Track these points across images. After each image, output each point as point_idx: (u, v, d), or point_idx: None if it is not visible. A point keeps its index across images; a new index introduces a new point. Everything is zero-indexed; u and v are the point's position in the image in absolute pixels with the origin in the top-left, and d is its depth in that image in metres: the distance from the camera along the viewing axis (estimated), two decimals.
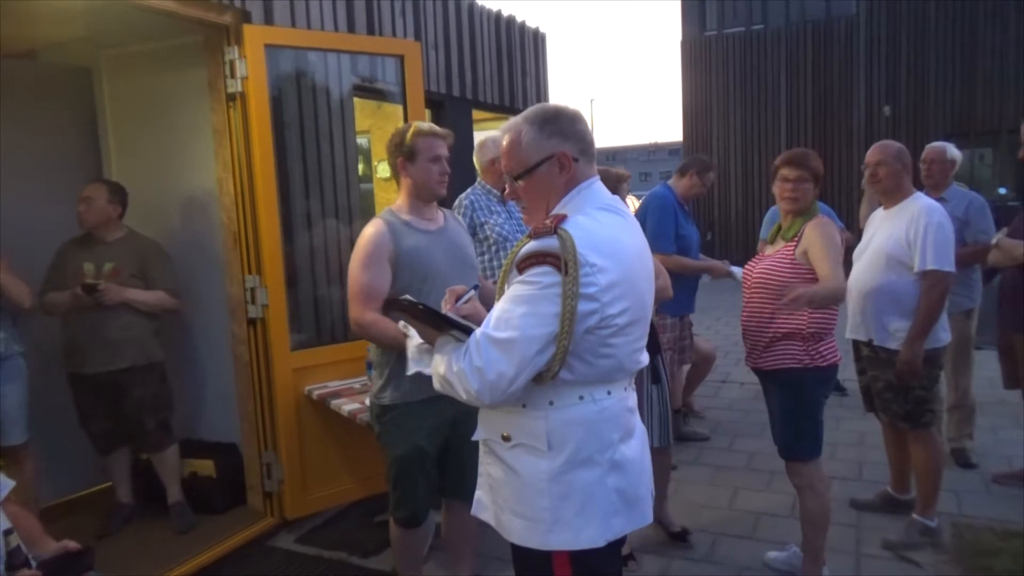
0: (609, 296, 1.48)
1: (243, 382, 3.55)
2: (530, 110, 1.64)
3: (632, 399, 1.66)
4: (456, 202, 3.68)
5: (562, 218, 1.50)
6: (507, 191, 1.68)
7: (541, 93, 6.45)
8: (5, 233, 3.49)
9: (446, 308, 1.65)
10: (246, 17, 3.35)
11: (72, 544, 2.01)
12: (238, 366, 3.57)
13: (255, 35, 3.31)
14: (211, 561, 3.21)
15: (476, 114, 5.77)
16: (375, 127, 6.92)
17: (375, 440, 2.89)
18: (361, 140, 6.01)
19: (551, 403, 1.53)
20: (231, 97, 3.35)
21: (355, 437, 3.37)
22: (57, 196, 3.58)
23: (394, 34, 4.46)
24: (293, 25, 3.62)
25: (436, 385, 1.59)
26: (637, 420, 1.68)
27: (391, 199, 7.22)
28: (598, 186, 1.62)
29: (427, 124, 2.48)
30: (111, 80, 3.99)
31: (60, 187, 3.61)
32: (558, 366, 1.48)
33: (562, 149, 1.57)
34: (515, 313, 1.46)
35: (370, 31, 4.22)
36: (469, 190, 3.69)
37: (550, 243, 1.46)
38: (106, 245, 3.37)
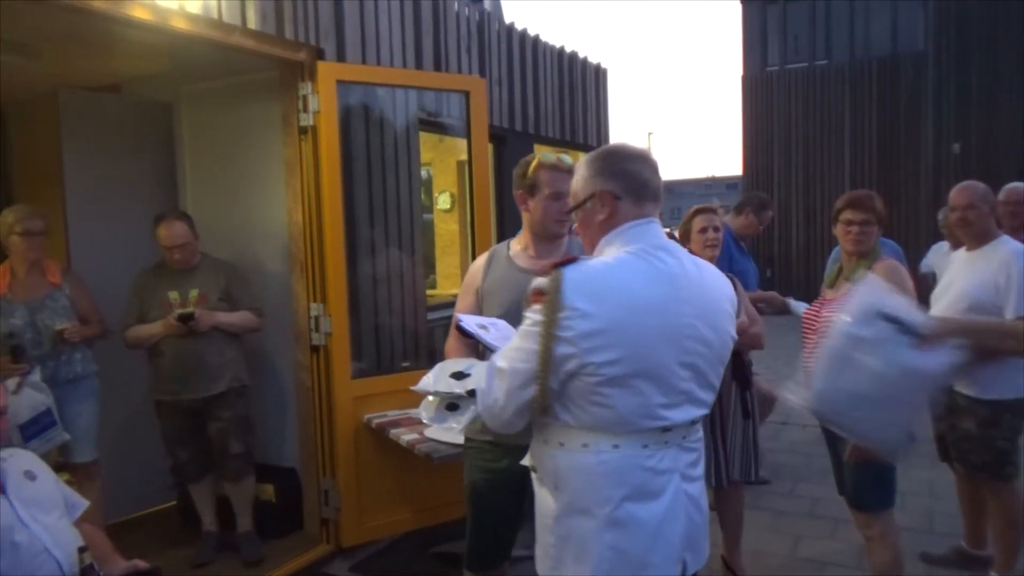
0: (590, 343, 1.42)
1: (304, 408, 3.61)
2: (595, 150, 1.67)
3: (659, 460, 1.51)
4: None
5: (572, 259, 1.49)
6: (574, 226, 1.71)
7: (602, 127, 6.48)
8: (85, 260, 3.66)
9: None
10: (320, 54, 3.46)
11: (141, 563, 2.05)
12: (300, 392, 3.63)
13: (328, 71, 3.42)
14: None
15: (537, 148, 5.82)
16: (436, 159, 7.06)
17: (432, 470, 2.90)
18: (422, 172, 6.12)
19: (561, 444, 1.53)
20: (303, 130, 3.46)
21: (412, 467, 3.38)
22: (136, 224, 3.72)
23: (459, 70, 4.55)
24: (364, 61, 3.72)
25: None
26: (668, 483, 1.52)
27: (451, 230, 7.32)
28: (646, 227, 1.55)
29: (553, 157, 2.26)
30: (189, 114, 4.16)
31: (138, 216, 3.75)
32: (538, 404, 1.49)
33: (604, 188, 1.56)
34: (511, 345, 1.52)
35: (436, 67, 4.31)
36: None
37: (543, 282, 1.47)
38: (187, 272, 3.40)
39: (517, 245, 2.36)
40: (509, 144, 5.33)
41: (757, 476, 3.13)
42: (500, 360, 1.53)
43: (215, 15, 2.94)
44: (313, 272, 3.50)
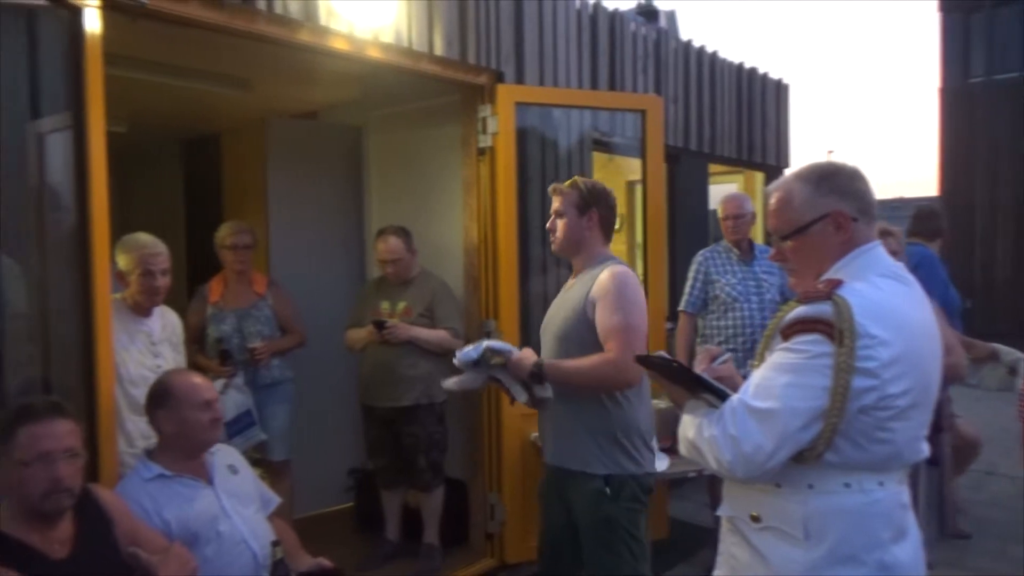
0: (890, 373, 1.32)
1: (474, 422, 3.68)
2: (803, 167, 1.53)
3: (906, 495, 1.45)
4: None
5: (837, 283, 1.37)
6: (772, 253, 1.58)
7: (781, 145, 6.16)
8: (283, 273, 3.97)
9: (700, 368, 1.57)
10: (500, 77, 3.55)
11: (326, 562, 2.16)
12: (470, 405, 3.71)
13: (507, 94, 3.50)
14: None
15: (712, 167, 5.64)
16: (605, 180, 7.01)
17: None
18: None
19: (811, 486, 1.38)
20: (481, 151, 3.56)
21: None
22: (329, 241, 4.00)
23: (635, 89, 4.51)
24: (541, 83, 3.78)
25: (682, 450, 1.52)
26: (912, 519, 1.45)
27: (617, 251, 7.27)
28: (879, 251, 1.47)
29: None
30: (376, 137, 4.43)
31: (330, 232, 4.03)
32: (824, 446, 1.34)
33: (838, 208, 1.44)
34: (778, 382, 1.35)
35: (611, 87, 4.30)
36: (712, 246, 3.71)
37: (822, 309, 1.34)
38: (402, 285, 3.54)
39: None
40: (683, 163, 5.19)
41: (950, 529, 2.76)
42: (757, 401, 1.37)
43: (406, 43, 3.10)
44: (487, 288, 3.57)
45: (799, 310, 1.38)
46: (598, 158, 5.44)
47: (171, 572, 1.77)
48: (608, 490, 2.19)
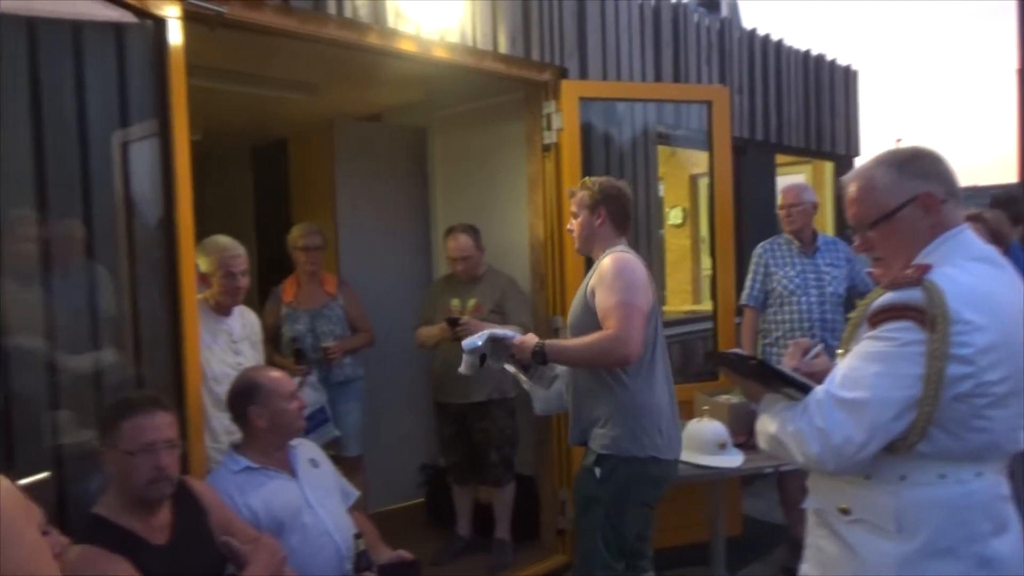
0: (987, 360, 1.27)
1: (545, 418, 3.67)
2: (881, 154, 1.48)
3: (1006, 486, 1.40)
4: None
5: (927, 268, 1.33)
6: (856, 243, 1.53)
7: (851, 133, 5.98)
8: (352, 273, 4.05)
9: (791, 363, 1.55)
10: (563, 73, 3.55)
11: (406, 554, 2.20)
12: None
13: (571, 89, 3.49)
14: None
15: (779, 158, 5.51)
16: (668, 173, 6.95)
17: (674, 489, 2.83)
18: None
19: (903, 478, 1.34)
20: (546, 148, 3.56)
21: None
22: (396, 241, 4.06)
23: (699, 80, 4.44)
24: (604, 77, 3.76)
25: (762, 445, 1.50)
26: (1012, 512, 1.40)
27: (682, 245, 7.14)
28: (968, 234, 1.42)
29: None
30: (440, 137, 4.47)
31: (398, 233, 4.10)
32: (917, 436, 1.30)
33: (926, 189, 1.40)
34: (867, 372, 1.31)
35: (676, 78, 4.25)
36: (773, 238, 3.68)
37: (912, 295, 1.30)
38: (471, 282, 3.59)
39: None
40: (748, 155, 5.09)
41: None
42: (845, 391, 1.34)
43: (471, 42, 3.12)
44: (553, 285, 3.57)
45: (887, 296, 1.35)
46: (661, 152, 5.39)
47: (261, 561, 1.83)
48: (597, 470, 2.27)
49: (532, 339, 2.33)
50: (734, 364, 1.56)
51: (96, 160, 2.23)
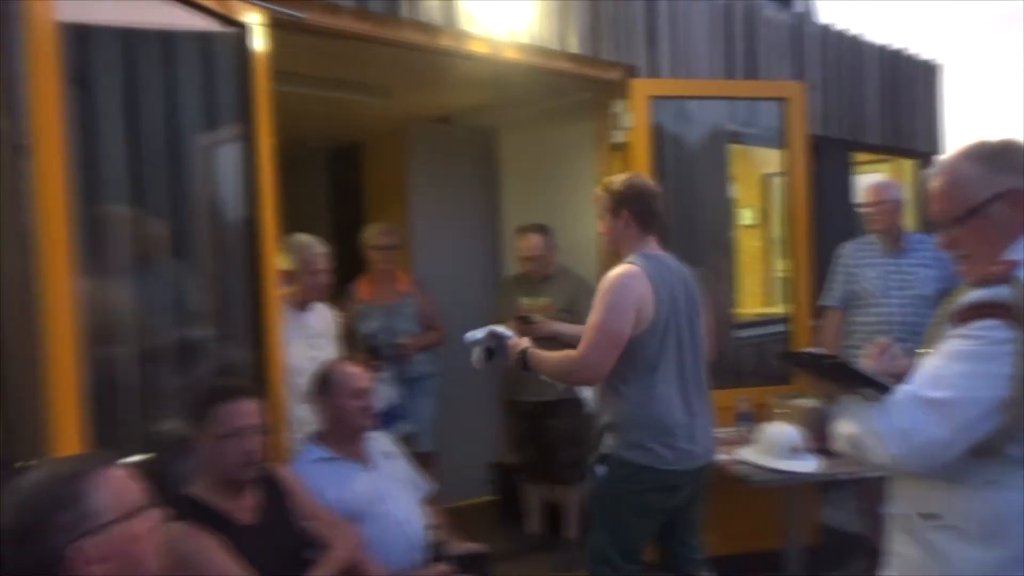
0: None
1: None
2: (968, 146, 1.43)
3: None
4: None
5: (1015, 264, 1.28)
6: (941, 239, 1.48)
7: (933, 130, 5.75)
8: (425, 272, 4.12)
9: (871, 364, 1.51)
10: (633, 72, 3.54)
11: (478, 547, 2.23)
12: None
13: (640, 88, 3.48)
14: None
15: (856, 156, 5.35)
16: (740, 173, 6.81)
17: (747, 495, 2.79)
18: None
19: (992, 482, 1.29)
20: (615, 147, 3.55)
21: (724, 489, 3.25)
22: (467, 240, 4.13)
23: (773, 77, 4.36)
24: (675, 75, 3.73)
25: (840, 448, 1.46)
26: None
27: (755, 246, 6.99)
28: None
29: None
30: (508, 139, 4.52)
31: (468, 233, 4.17)
32: (1006, 440, 1.25)
33: (1015, 185, 1.35)
34: (953, 371, 1.27)
35: (748, 76, 4.18)
36: (859, 237, 3.61)
37: (1001, 292, 1.26)
38: (541, 281, 3.62)
39: None
40: (824, 152, 4.96)
41: None
42: (930, 390, 1.30)
43: (541, 42, 3.15)
44: None
45: (975, 294, 1.30)
46: (734, 150, 5.30)
47: (341, 544, 1.90)
48: (600, 469, 2.35)
49: (523, 343, 2.49)
50: (809, 364, 1.53)
51: (186, 162, 2.35)
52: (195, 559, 1.67)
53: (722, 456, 3.02)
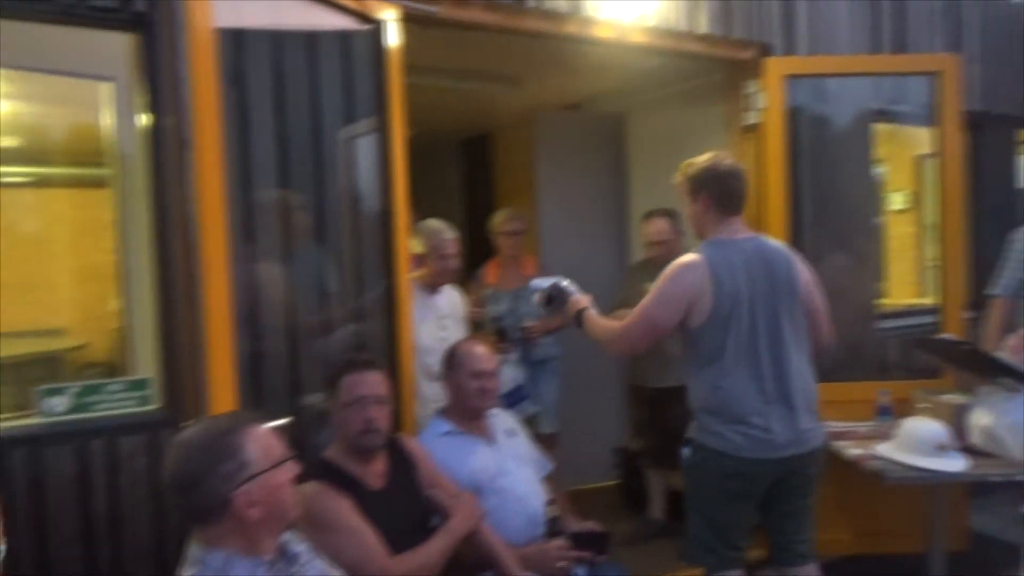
0: None
1: None
2: None
3: None
4: None
5: None
6: None
7: None
8: (552, 258, 4.18)
9: (1014, 354, 1.41)
10: (767, 50, 3.41)
11: (597, 526, 2.27)
12: None
13: (775, 67, 3.36)
14: None
15: (1023, 134, 4.88)
16: (890, 155, 6.38)
17: (882, 492, 2.65)
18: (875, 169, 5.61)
19: None
20: (748, 129, 3.45)
21: (856, 485, 3.10)
22: (594, 226, 4.15)
23: (925, 50, 4.05)
24: (814, 52, 3.56)
25: (975, 440, 1.38)
26: None
27: (905, 232, 6.56)
28: None
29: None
30: (636, 124, 4.50)
31: (596, 218, 4.19)
32: None
33: None
34: None
35: (897, 50, 3.91)
36: None
37: None
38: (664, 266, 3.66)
39: None
40: (986, 131, 4.56)
41: None
42: None
43: (669, 25, 3.10)
44: None
45: None
46: (882, 132, 4.98)
47: (463, 514, 2.01)
48: (686, 451, 2.39)
49: (583, 302, 2.52)
50: (944, 351, 1.46)
51: (327, 154, 2.52)
52: (328, 516, 1.82)
53: (856, 451, 2.89)
